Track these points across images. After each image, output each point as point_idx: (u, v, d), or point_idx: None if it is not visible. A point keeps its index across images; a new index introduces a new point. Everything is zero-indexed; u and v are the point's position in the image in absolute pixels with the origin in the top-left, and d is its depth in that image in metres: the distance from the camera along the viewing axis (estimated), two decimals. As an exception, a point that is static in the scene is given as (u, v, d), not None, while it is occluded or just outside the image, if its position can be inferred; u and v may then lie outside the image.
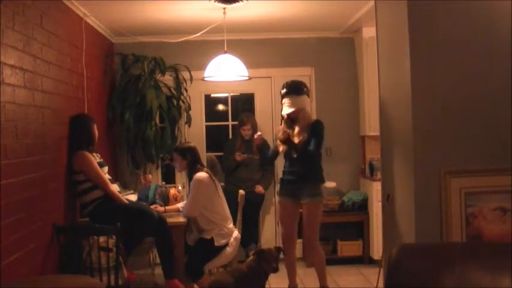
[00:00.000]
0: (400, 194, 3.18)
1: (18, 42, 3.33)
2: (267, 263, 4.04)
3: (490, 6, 2.86)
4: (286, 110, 4.57)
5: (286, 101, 4.58)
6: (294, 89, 4.59)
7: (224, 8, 4.79)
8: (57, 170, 4.01)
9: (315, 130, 4.52)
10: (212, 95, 6.60)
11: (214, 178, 4.61)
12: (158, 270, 5.60)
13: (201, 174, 4.51)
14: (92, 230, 3.84)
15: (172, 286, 4.31)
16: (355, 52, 6.30)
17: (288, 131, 4.59)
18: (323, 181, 4.72)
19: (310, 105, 4.72)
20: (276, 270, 4.07)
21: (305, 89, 4.64)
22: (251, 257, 4.16)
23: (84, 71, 4.76)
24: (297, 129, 4.55)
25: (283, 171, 4.72)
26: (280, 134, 4.68)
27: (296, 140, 4.53)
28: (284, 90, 4.62)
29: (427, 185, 2.85)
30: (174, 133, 5.99)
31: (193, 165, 4.57)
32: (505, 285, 2.26)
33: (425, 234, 2.85)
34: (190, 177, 4.58)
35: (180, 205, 4.75)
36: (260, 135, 4.90)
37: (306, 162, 4.56)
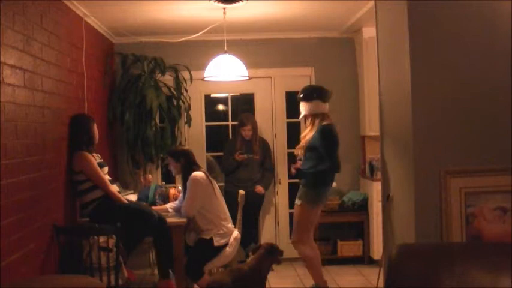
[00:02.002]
0: (400, 194, 3.18)
1: (18, 42, 3.33)
2: (275, 256, 4.12)
3: (490, 6, 2.86)
4: (301, 116, 4.85)
5: (300, 106, 4.82)
6: (304, 95, 4.77)
7: (224, 8, 4.78)
8: (57, 170, 4.01)
9: (318, 139, 4.64)
10: (212, 95, 6.60)
11: (211, 178, 4.61)
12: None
13: (198, 174, 4.51)
14: (92, 230, 3.84)
15: (167, 287, 4.31)
16: (355, 52, 6.30)
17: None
18: (313, 187, 4.69)
19: (314, 108, 4.74)
20: (280, 262, 4.22)
21: (316, 94, 4.72)
22: (258, 253, 4.15)
23: (84, 71, 4.76)
24: (303, 134, 4.84)
25: None
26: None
27: (301, 144, 4.79)
28: (299, 97, 4.86)
29: (427, 185, 2.85)
30: (174, 133, 5.99)
31: (188, 167, 4.57)
32: (505, 285, 2.27)
33: (425, 234, 2.85)
34: (185, 179, 4.57)
35: (169, 205, 4.75)
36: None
37: (305, 165, 4.73)
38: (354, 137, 6.29)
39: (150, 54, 5.93)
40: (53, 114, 3.94)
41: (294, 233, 4.80)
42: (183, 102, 6.02)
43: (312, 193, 4.69)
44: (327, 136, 4.64)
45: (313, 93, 4.74)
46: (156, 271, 5.58)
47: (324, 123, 4.69)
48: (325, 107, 4.75)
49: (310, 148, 4.67)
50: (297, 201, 4.76)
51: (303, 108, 4.77)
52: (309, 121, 4.77)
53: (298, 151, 4.81)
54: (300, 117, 4.89)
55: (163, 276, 4.36)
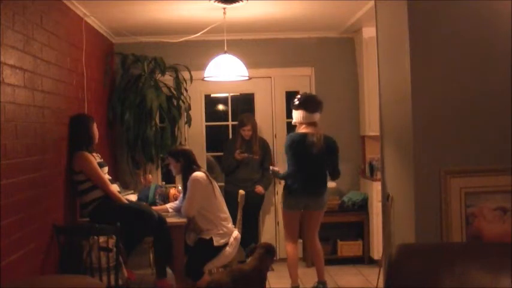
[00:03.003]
0: (400, 194, 3.17)
1: (18, 42, 3.33)
2: (272, 258, 4.14)
3: (490, 6, 2.86)
4: None
5: None
6: (292, 104, 4.96)
7: (224, 8, 4.79)
8: (57, 170, 4.02)
9: None
10: (212, 95, 6.60)
11: (211, 178, 4.61)
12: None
13: (198, 174, 4.51)
14: (92, 230, 3.84)
15: (164, 286, 4.33)
16: (355, 52, 6.30)
17: None
18: (284, 190, 4.99)
19: (299, 117, 4.90)
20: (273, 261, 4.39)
21: (301, 103, 4.85)
22: (257, 253, 4.15)
23: (84, 71, 4.76)
24: None
25: None
26: None
27: None
28: None
29: (427, 185, 2.85)
30: (174, 133, 5.99)
31: (188, 167, 4.57)
32: (505, 285, 2.27)
33: (425, 234, 2.85)
34: (185, 179, 4.57)
35: (169, 205, 4.75)
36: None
37: None
38: (354, 137, 6.29)
39: (150, 54, 5.93)
40: (53, 114, 3.94)
41: None
42: (183, 102, 6.02)
43: (283, 196, 4.95)
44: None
45: (299, 102, 4.85)
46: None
47: (295, 131, 4.93)
48: (311, 116, 4.83)
49: None
50: None
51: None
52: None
53: None
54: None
55: (160, 276, 4.37)
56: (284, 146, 4.93)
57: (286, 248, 4.95)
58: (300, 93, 5.13)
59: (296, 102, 4.86)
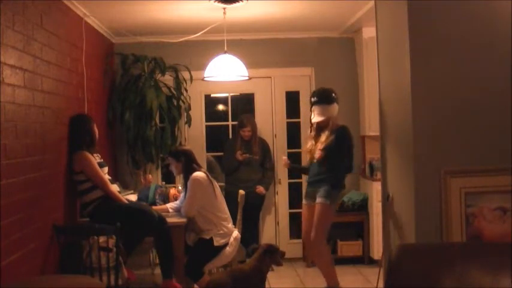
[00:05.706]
0: (400, 194, 3.18)
1: (18, 42, 3.34)
2: (276, 256, 4.12)
3: (490, 6, 2.86)
4: (316, 118, 4.74)
5: (316, 109, 4.74)
6: (325, 98, 4.75)
7: (224, 8, 4.79)
8: (57, 170, 4.02)
9: (339, 140, 4.68)
10: (212, 95, 6.60)
11: (211, 178, 4.61)
12: (158, 270, 5.58)
13: (199, 174, 4.51)
14: (92, 230, 3.84)
15: (169, 287, 4.32)
16: (355, 52, 6.30)
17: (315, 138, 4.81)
18: (338, 187, 4.74)
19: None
20: (281, 263, 4.22)
21: (334, 96, 4.77)
22: (257, 253, 4.14)
23: (84, 71, 4.76)
24: (323, 137, 4.73)
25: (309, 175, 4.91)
26: (308, 143, 4.90)
27: (320, 146, 4.72)
28: (314, 99, 4.79)
29: (427, 185, 2.85)
30: (174, 133, 5.99)
31: (189, 167, 4.57)
32: (505, 285, 2.27)
33: (425, 234, 2.85)
34: (186, 178, 4.57)
35: (169, 205, 4.75)
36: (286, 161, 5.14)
37: (325, 166, 4.71)
38: (354, 137, 6.27)
39: (150, 54, 5.92)
40: (53, 114, 3.94)
41: (314, 233, 4.66)
42: (183, 102, 6.02)
43: (337, 194, 4.75)
44: (349, 137, 4.76)
45: (333, 95, 4.77)
46: (156, 271, 5.59)
47: (340, 124, 4.77)
48: (337, 110, 4.83)
49: (332, 150, 4.66)
50: (322, 200, 4.64)
51: (324, 111, 4.69)
52: (328, 125, 4.72)
53: (318, 153, 4.70)
54: (319, 121, 4.72)
55: (166, 276, 4.36)
56: (352, 138, 4.81)
57: (324, 248, 4.73)
58: (317, 88, 5.01)
59: (329, 95, 4.78)
